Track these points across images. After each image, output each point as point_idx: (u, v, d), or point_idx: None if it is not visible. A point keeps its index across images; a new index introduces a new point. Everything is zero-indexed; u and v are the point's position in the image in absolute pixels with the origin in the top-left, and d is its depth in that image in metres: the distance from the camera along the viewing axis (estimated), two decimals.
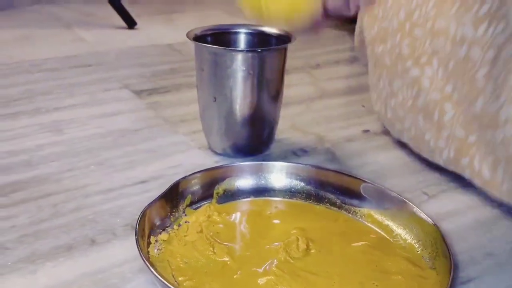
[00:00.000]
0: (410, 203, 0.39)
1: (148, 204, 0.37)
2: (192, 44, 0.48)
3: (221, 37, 0.52)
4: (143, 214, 0.36)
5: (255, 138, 0.51)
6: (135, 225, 0.34)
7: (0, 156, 0.50)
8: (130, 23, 1.00)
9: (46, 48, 0.86)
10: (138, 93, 0.68)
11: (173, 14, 1.16)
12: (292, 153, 0.53)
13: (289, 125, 0.59)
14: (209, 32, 0.51)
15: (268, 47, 0.50)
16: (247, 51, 0.48)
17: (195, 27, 0.50)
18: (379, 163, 0.51)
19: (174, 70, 0.78)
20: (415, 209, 0.38)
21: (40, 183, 0.45)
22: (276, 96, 0.50)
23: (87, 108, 0.63)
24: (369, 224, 0.40)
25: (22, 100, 0.64)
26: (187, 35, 0.48)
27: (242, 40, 0.53)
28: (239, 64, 0.46)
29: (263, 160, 0.48)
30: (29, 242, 0.37)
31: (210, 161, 0.50)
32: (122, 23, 1.01)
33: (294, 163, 0.45)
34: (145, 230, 0.36)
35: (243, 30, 0.52)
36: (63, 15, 1.10)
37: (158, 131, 0.57)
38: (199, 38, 0.49)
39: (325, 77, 0.77)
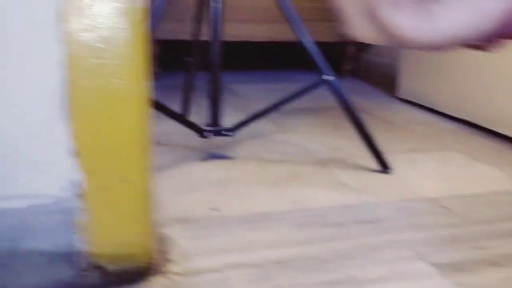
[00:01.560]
0: None
1: None
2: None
3: None
4: None
5: None
6: None
7: None
8: (385, 166, 1.02)
9: (310, 189, 0.92)
10: (438, 266, 0.66)
11: (412, 154, 1.17)
12: None
13: None
14: None
15: None
16: None
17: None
18: None
19: (457, 238, 0.75)
20: None
21: None
22: None
23: (391, 283, 0.62)
24: None
25: (331, 263, 0.66)
26: None
27: None
28: None
29: None
30: None
31: None
32: (371, 163, 1.04)
33: None
34: None
35: None
36: (308, 145, 1.18)
37: None
38: None
39: None
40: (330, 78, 1.00)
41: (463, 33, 0.32)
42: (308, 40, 1.00)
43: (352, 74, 2.34)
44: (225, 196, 0.88)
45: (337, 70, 2.35)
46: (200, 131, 1.04)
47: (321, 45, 2.16)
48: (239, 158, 1.10)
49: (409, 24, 0.33)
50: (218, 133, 1.07)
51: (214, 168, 1.03)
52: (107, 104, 0.57)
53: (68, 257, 0.58)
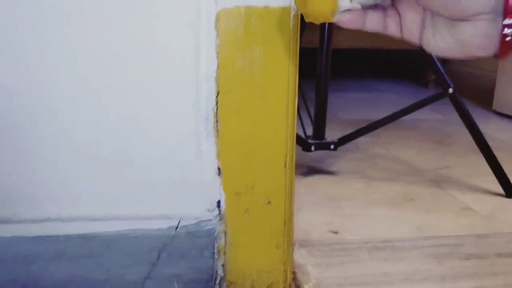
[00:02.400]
0: None
1: None
2: None
3: None
4: None
5: None
6: None
7: None
8: (509, 190, 0.92)
9: (432, 213, 0.84)
10: None
11: None
12: None
13: None
14: None
15: None
16: None
17: None
18: None
19: None
20: None
21: None
22: None
23: None
24: None
25: None
26: None
27: None
28: None
29: None
30: None
31: None
32: (488, 183, 0.94)
33: None
34: None
35: None
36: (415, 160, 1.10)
37: None
38: None
39: None
40: (451, 90, 0.92)
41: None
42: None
43: (437, 84, 2.21)
44: (341, 217, 0.82)
45: (421, 79, 2.24)
46: (306, 145, 0.98)
47: (404, 53, 2.06)
48: (343, 174, 1.03)
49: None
50: (322, 147, 1.01)
51: (319, 184, 0.97)
52: (256, 121, 0.52)
53: (206, 283, 0.54)
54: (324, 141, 1.01)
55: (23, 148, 0.50)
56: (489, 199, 0.92)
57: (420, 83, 2.24)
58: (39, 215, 0.51)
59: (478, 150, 0.94)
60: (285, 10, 0.50)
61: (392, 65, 2.59)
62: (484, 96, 1.80)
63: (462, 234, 0.77)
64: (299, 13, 0.51)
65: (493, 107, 1.68)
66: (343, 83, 2.25)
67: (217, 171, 0.52)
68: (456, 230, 0.78)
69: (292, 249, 0.58)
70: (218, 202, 0.53)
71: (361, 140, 1.26)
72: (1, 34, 0.47)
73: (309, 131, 1.02)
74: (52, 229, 0.51)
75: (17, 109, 0.49)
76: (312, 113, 1.02)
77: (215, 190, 0.53)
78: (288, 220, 0.55)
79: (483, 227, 0.79)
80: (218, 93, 0.51)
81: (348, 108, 1.72)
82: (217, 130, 0.51)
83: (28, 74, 0.48)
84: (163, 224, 0.52)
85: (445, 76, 0.92)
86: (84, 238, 0.51)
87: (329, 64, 0.97)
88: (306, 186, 0.96)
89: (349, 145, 1.14)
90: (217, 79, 0.50)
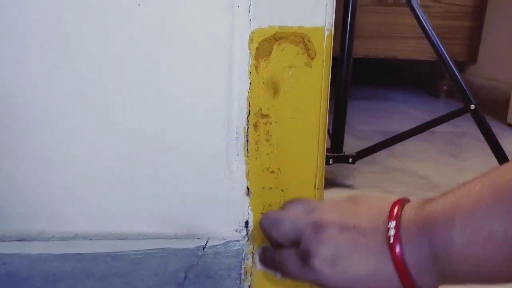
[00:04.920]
0: None
1: None
2: None
3: None
4: None
5: None
6: None
7: None
8: None
9: None
10: None
11: None
12: None
13: None
14: None
15: None
16: None
17: None
18: None
19: None
20: None
21: None
22: None
23: None
24: None
25: None
26: None
27: None
28: None
29: None
30: None
31: None
32: None
33: None
34: None
35: None
36: None
37: None
38: None
39: None
40: (473, 107, 0.91)
41: None
42: (449, 63, 0.92)
43: (448, 95, 2.20)
44: None
45: (433, 90, 2.23)
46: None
47: (417, 63, 2.05)
48: (360, 188, 1.03)
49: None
50: (340, 160, 1.00)
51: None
52: (286, 141, 0.51)
53: None
54: (342, 154, 1.00)
55: (50, 164, 0.50)
56: None
57: (432, 93, 2.23)
58: (66, 233, 0.51)
59: (493, 165, 0.93)
60: (318, 30, 0.49)
61: (404, 74, 2.58)
62: (498, 109, 1.79)
63: None
64: (333, 33, 0.50)
65: (508, 120, 1.67)
66: (355, 92, 2.24)
67: (246, 190, 0.52)
68: None
69: None
70: (246, 223, 0.53)
71: (377, 152, 1.25)
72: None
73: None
74: (80, 247, 0.50)
75: (46, 125, 0.48)
76: (330, 125, 1.01)
77: (244, 210, 0.52)
78: None
79: None
80: (249, 113, 0.50)
81: (362, 118, 1.72)
82: (247, 150, 0.51)
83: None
84: (190, 244, 0.51)
85: (467, 91, 0.91)
86: (111, 257, 0.50)
87: (349, 76, 0.97)
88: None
89: (365, 157, 1.13)
90: (249, 99, 0.50)
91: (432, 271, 0.30)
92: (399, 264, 0.31)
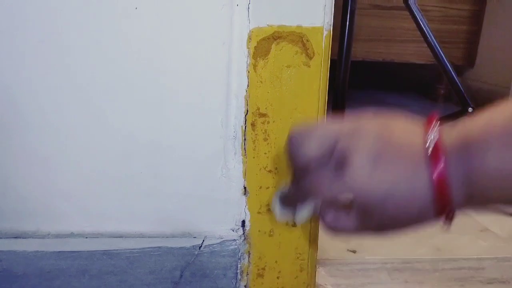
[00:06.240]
0: None
1: None
2: None
3: None
4: None
5: None
6: None
7: None
8: None
9: (452, 234, 0.83)
10: None
11: None
12: None
13: None
14: None
15: None
16: None
17: None
18: None
19: None
20: None
21: None
22: None
23: None
24: None
25: None
26: None
27: None
28: None
29: None
30: None
31: None
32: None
33: None
34: None
35: None
36: None
37: None
38: None
39: None
40: (471, 110, 0.91)
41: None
42: (447, 66, 0.92)
43: (446, 99, 2.21)
44: None
45: (431, 93, 2.23)
46: None
47: (415, 66, 2.05)
48: None
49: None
50: None
51: None
52: (284, 141, 0.51)
53: None
54: None
55: (47, 162, 0.49)
56: (507, 220, 0.90)
57: (430, 97, 2.24)
58: (62, 230, 0.51)
59: None
60: (317, 30, 0.49)
61: (402, 78, 2.59)
62: None
63: (483, 256, 0.76)
64: (331, 33, 0.50)
65: None
66: (353, 96, 2.24)
67: (243, 190, 0.52)
68: (476, 253, 0.77)
69: (315, 272, 0.57)
70: (243, 222, 0.52)
71: None
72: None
73: None
74: (76, 245, 0.50)
75: (43, 124, 0.48)
76: None
77: (240, 209, 0.52)
78: (313, 242, 0.54)
79: (504, 250, 0.78)
80: (247, 112, 0.50)
81: None
82: (245, 149, 0.51)
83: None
84: (187, 243, 0.51)
85: (465, 95, 0.91)
86: (107, 255, 0.50)
87: (347, 78, 0.97)
88: None
89: None
90: (247, 98, 0.50)
91: (462, 189, 0.30)
92: (439, 178, 0.30)
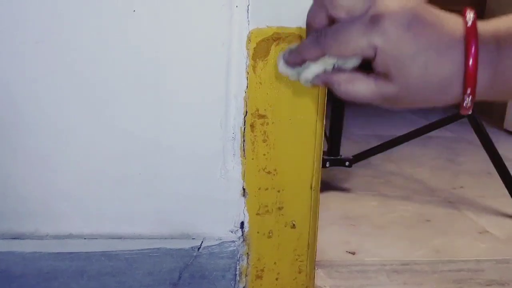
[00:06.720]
0: None
1: None
2: None
3: None
4: None
5: None
6: None
7: None
8: None
9: (450, 236, 0.83)
10: None
11: None
12: None
13: None
14: None
15: None
16: None
17: None
18: None
19: None
20: None
21: None
22: None
23: None
24: None
25: None
26: None
27: None
28: None
29: None
30: None
31: None
32: (505, 206, 0.93)
33: None
34: None
35: None
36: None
37: None
38: None
39: None
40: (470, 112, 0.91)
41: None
42: None
43: None
44: (358, 237, 0.81)
45: None
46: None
47: None
48: (356, 191, 1.03)
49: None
50: (337, 163, 1.00)
51: (333, 201, 0.97)
52: (283, 142, 0.51)
53: None
54: (339, 157, 1.00)
55: (47, 162, 0.49)
56: (506, 222, 0.90)
57: None
58: (60, 231, 0.51)
59: (490, 170, 0.93)
60: None
61: None
62: (495, 115, 1.79)
63: (481, 258, 0.76)
64: None
65: (504, 126, 1.67)
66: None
67: (242, 191, 0.52)
68: (475, 255, 0.77)
69: (314, 273, 0.57)
70: (242, 223, 0.52)
71: (374, 156, 1.25)
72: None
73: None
74: (74, 246, 0.50)
75: (42, 124, 0.48)
76: (328, 128, 1.01)
77: (239, 210, 0.52)
78: (312, 244, 0.54)
79: (503, 252, 0.78)
80: (246, 113, 0.50)
81: (359, 122, 1.72)
82: (244, 150, 0.51)
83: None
84: (185, 244, 0.51)
85: None
86: (106, 256, 0.50)
87: None
88: (321, 203, 0.95)
89: (361, 161, 1.13)
90: (246, 99, 0.50)
91: (489, 71, 0.30)
92: (472, 54, 0.29)
